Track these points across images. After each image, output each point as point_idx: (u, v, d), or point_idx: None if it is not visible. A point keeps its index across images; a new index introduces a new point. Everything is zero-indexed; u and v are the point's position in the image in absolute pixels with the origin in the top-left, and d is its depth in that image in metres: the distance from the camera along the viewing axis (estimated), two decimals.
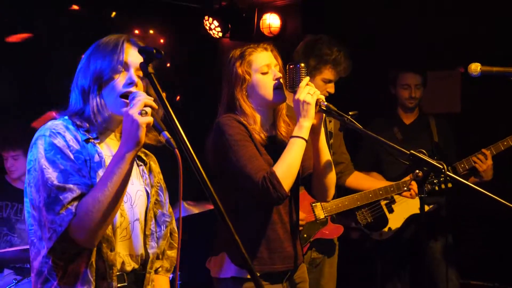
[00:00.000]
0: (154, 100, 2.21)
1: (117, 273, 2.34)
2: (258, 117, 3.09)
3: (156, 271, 2.63)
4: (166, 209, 2.64)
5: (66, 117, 2.39)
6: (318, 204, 4.01)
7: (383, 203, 4.53)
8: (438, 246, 4.63)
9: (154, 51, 2.20)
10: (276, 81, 3.06)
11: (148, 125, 2.15)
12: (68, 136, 2.30)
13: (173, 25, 6.36)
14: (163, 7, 6.23)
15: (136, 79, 2.35)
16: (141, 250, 2.47)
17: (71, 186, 2.20)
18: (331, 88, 3.97)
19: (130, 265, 2.43)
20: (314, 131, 2.99)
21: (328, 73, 3.93)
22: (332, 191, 3.18)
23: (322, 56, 3.92)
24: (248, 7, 6.58)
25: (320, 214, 4.03)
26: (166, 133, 2.13)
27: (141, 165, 2.55)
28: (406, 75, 4.75)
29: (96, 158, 2.33)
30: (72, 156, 2.26)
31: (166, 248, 2.65)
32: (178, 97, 6.53)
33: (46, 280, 2.30)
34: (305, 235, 3.95)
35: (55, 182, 2.20)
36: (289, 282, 3.16)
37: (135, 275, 2.45)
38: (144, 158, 2.59)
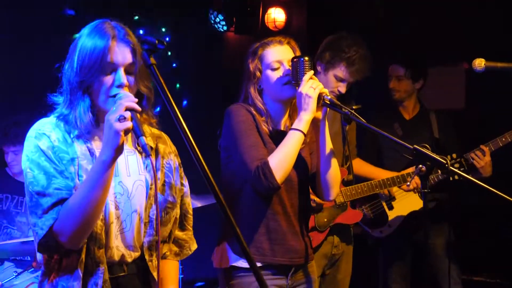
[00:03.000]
0: (143, 99, 2.22)
1: (109, 270, 2.34)
2: (269, 112, 3.10)
3: (164, 256, 2.61)
4: (174, 190, 2.57)
5: (56, 115, 2.37)
6: None
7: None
8: (439, 242, 4.61)
9: (157, 41, 2.16)
10: (286, 77, 3.04)
11: (127, 130, 2.11)
12: (54, 136, 2.29)
13: (178, 18, 6.35)
14: (168, 0, 6.22)
15: (124, 81, 2.29)
16: (140, 240, 2.45)
17: (50, 191, 2.22)
18: (342, 88, 3.87)
19: (131, 256, 2.43)
20: (317, 125, 2.99)
21: (340, 71, 3.83)
22: (335, 190, 3.14)
23: (338, 52, 3.83)
24: (253, 1, 6.58)
25: (340, 198, 3.98)
26: (144, 138, 2.10)
27: (142, 152, 2.50)
28: (390, 66, 4.77)
29: (87, 154, 2.32)
30: (55, 158, 2.26)
31: (174, 231, 2.61)
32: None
33: (44, 273, 2.36)
34: (325, 219, 3.91)
35: (35, 188, 2.22)
36: (294, 279, 3.13)
37: (136, 265, 2.45)
38: (151, 141, 2.51)
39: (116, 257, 2.38)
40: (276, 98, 3.10)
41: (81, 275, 2.28)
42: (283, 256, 3.06)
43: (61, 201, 2.22)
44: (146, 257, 2.46)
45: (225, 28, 6.43)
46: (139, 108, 2.17)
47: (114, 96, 2.27)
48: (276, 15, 6.50)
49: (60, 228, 2.20)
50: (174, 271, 2.66)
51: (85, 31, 2.35)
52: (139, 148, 2.47)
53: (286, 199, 3.06)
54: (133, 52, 2.33)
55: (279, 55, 3.08)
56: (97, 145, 2.36)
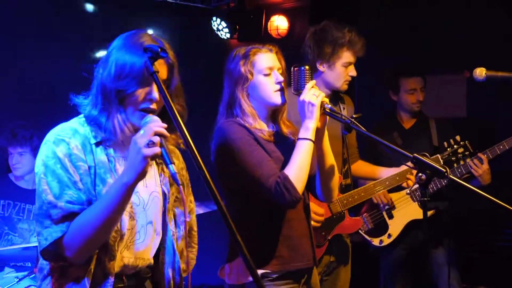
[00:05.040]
0: (165, 122, 2.15)
1: (114, 282, 2.28)
2: (257, 116, 3.10)
3: None
4: (187, 205, 2.56)
5: (83, 116, 2.33)
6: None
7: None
8: (440, 251, 4.61)
9: (159, 49, 2.17)
10: (278, 85, 3.06)
11: (154, 156, 2.07)
12: (73, 143, 2.24)
13: (181, 25, 6.36)
14: (171, 8, 6.24)
15: (156, 96, 2.25)
16: (152, 253, 2.42)
17: (62, 204, 2.17)
18: (352, 71, 3.86)
19: (135, 268, 2.39)
20: (318, 133, 2.99)
21: (347, 56, 3.83)
22: (335, 192, 3.21)
23: (336, 40, 3.82)
24: (256, 8, 6.60)
25: (337, 208, 3.89)
26: (173, 167, 2.04)
27: (160, 163, 2.46)
28: (411, 79, 4.72)
29: (105, 162, 2.28)
30: (71, 167, 2.21)
31: (184, 247, 2.54)
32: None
33: (44, 277, 2.31)
34: (323, 233, 3.82)
35: (48, 197, 2.17)
36: (304, 285, 3.14)
37: (136, 278, 2.40)
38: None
39: (117, 268, 2.32)
40: (264, 104, 3.10)
41: (88, 285, 2.23)
42: (300, 261, 3.07)
43: (71, 215, 2.17)
44: (162, 270, 2.43)
45: (228, 35, 6.46)
46: (167, 134, 2.12)
47: (143, 110, 2.25)
48: (279, 23, 6.53)
49: (67, 243, 2.17)
50: None
51: (124, 39, 2.31)
52: (157, 161, 2.42)
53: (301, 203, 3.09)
54: (170, 68, 2.33)
55: (271, 62, 3.09)
56: (117, 155, 2.33)
